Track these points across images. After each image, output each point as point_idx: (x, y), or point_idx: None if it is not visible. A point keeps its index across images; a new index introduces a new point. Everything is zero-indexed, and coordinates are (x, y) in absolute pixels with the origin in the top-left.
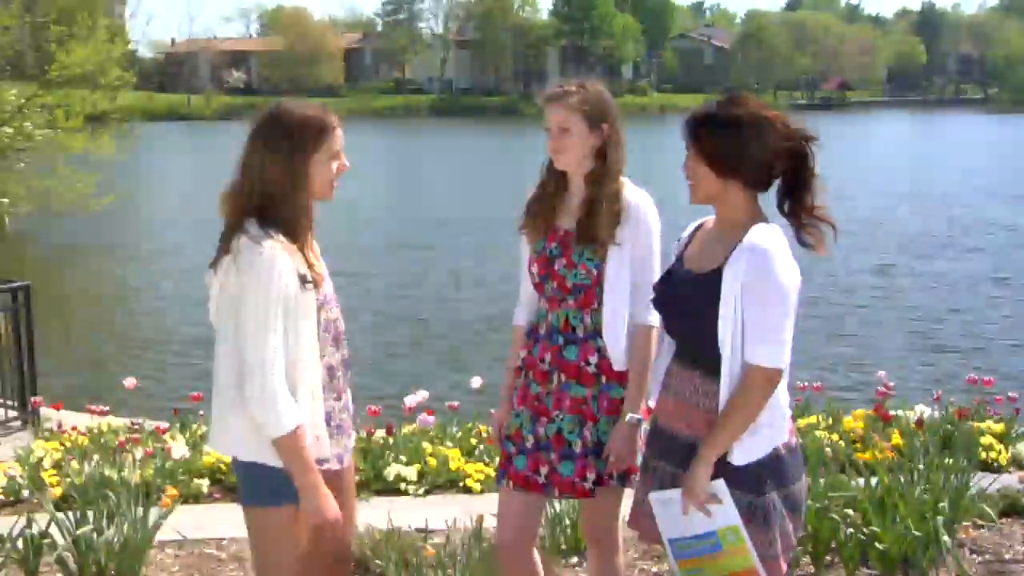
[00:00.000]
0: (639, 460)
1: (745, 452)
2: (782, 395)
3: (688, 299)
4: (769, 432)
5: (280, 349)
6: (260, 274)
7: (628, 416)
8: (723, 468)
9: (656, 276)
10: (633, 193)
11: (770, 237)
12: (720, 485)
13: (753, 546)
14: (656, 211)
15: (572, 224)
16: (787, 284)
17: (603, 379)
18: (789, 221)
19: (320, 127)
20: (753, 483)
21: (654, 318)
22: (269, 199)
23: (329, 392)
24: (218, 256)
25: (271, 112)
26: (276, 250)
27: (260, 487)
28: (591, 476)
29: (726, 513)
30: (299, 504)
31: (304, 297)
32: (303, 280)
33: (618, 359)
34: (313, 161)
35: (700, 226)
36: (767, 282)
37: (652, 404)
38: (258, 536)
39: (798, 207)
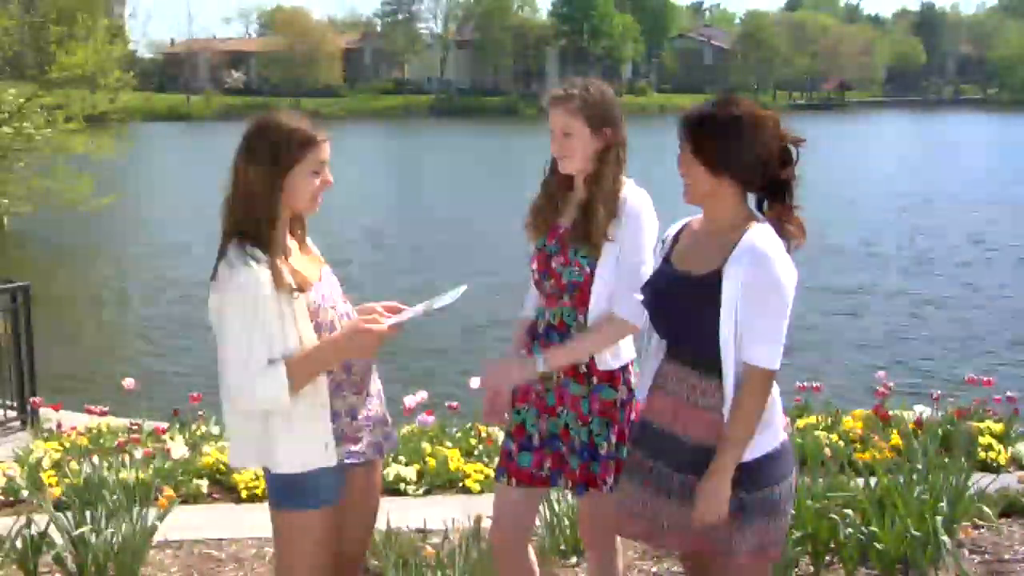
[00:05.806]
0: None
1: (751, 450)
2: (775, 393)
3: (686, 300)
4: (771, 429)
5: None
6: (236, 298)
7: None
8: (700, 463)
9: (646, 275)
10: (632, 193)
11: (768, 239)
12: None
13: (710, 537)
14: (653, 211)
15: (571, 222)
16: (786, 286)
17: (593, 380)
18: (769, 218)
19: (305, 139)
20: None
21: (631, 314)
22: (251, 209)
23: (349, 388)
24: (212, 276)
25: (258, 122)
26: (251, 273)
27: (280, 491)
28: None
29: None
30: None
31: (292, 306)
32: (290, 289)
33: (602, 359)
34: (295, 173)
35: (684, 227)
36: (768, 284)
37: (642, 403)
38: (279, 538)
39: (779, 207)
